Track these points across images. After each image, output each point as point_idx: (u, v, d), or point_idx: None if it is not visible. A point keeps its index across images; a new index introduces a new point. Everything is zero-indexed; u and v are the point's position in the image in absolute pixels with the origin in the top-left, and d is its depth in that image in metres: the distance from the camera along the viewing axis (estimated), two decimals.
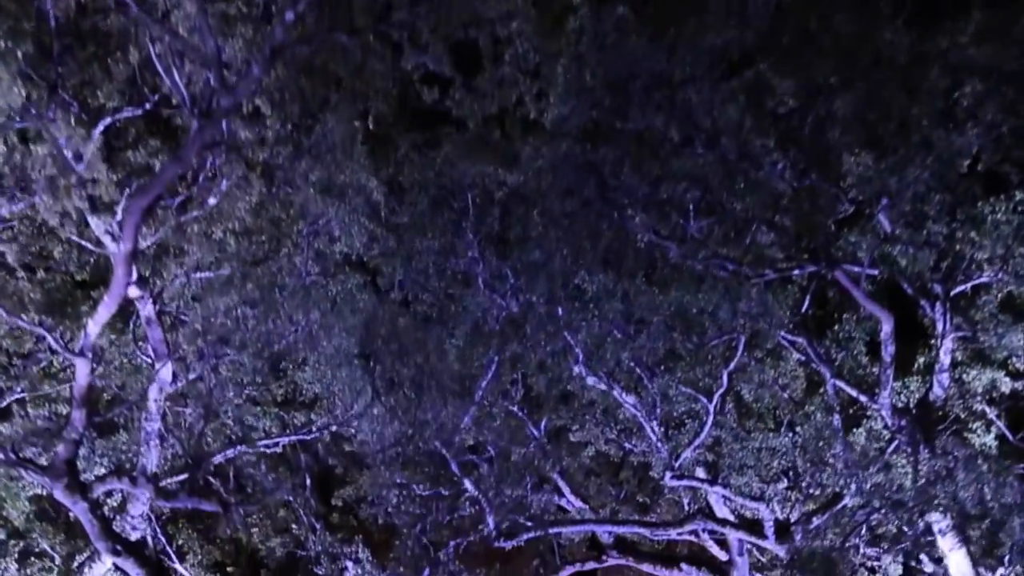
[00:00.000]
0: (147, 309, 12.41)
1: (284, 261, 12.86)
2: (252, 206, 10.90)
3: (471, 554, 15.85)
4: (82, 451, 11.47)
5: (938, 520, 12.43)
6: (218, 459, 13.39)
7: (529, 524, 14.56)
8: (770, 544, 14.32)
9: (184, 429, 11.34)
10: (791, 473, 15.14)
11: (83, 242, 11.99)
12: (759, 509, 14.14)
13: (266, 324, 12.69)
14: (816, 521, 12.59)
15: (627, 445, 15.34)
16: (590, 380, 13.11)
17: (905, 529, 12.61)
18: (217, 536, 18.75)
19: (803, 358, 14.27)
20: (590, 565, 19.26)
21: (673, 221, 10.82)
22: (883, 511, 11.38)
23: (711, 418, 13.07)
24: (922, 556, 14.98)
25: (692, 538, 18.30)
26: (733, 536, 16.02)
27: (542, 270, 10.80)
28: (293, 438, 14.59)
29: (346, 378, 13.73)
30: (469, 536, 14.55)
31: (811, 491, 13.87)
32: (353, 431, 15.25)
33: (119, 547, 9.79)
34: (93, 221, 10.97)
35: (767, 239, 11.54)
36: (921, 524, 12.06)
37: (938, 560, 15.08)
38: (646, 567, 18.78)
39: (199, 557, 17.80)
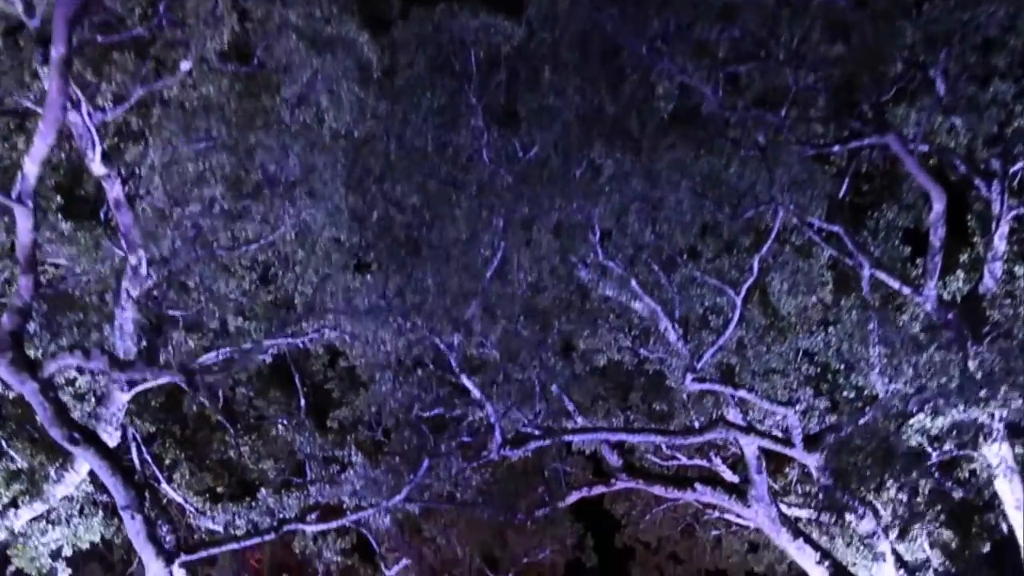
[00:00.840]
0: (115, 190, 11.31)
1: (266, 145, 11.60)
2: (226, 45, 9.48)
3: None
4: (34, 327, 10.25)
5: (988, 421, 11.36)
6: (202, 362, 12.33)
7: (537, 432, 13.55)
8: (797, 453, 13.32)
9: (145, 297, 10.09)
10: (819, 381, 14.07)
11: None
12: (787, 415, 13.07)
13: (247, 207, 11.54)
14: (863, 418, 11.40)
15: (642, 351, 14.17)
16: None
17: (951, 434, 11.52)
18: (208, 458, 18.20)
19: (834, 255, 13.08)
20: (598, 490, 18.34)
21: (706, 65, 9.42)
22: (939, 399, 10.20)
23: (738, 312, 11.89)
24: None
25: (703, 463, 17.40)
26: (752, 452, 14.95)
27: (557, 117, 9.43)
28: (284, 341, 13.46)
29: (337, 269, 12.58)
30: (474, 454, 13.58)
31: (845, 394, 12.77)
32: (348, 338, 14.21)
33: (76, 435, 8.61)
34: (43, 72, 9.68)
35: (810, 100, 10.19)
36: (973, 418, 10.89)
37: (964, 482, 14.10)
38: (657, 490, 17.83)
39: (187, 478, 17.18)
